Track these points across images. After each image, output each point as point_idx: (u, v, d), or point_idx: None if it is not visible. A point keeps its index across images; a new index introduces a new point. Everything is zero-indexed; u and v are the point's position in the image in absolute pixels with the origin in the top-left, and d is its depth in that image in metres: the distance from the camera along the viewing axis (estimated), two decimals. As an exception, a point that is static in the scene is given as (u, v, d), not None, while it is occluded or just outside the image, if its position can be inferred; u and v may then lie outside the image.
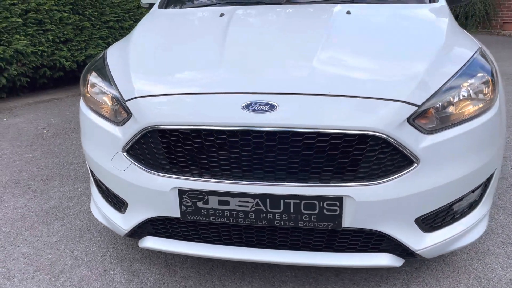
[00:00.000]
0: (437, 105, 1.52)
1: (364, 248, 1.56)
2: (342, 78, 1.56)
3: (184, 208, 1.53)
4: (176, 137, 1.50)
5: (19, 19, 4.93)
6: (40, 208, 2.55)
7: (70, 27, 5.71)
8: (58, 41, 5.61)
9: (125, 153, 1.59)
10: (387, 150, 1.43)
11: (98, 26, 6.24)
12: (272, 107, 1.45)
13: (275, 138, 1.43)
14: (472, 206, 1.73)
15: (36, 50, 5.23)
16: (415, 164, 1.45)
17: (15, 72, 5.00)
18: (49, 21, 5.40)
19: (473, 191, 1.67)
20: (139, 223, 1.65)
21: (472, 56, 1.74)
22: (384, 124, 1.40)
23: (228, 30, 1.97)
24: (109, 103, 1.72)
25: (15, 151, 3.55)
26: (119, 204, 1.77)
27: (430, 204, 1.53)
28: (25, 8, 5.03)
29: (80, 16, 5.91)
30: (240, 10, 2.33)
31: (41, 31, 5.36)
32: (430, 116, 1.51)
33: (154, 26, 2.33)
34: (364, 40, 1.86)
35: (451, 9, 2.45)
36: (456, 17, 11.81)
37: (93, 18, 6.13)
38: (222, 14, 2.23)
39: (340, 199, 1.44)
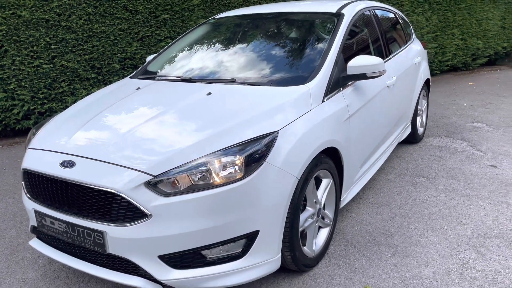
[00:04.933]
0: (182, 175, 2.07)
1: (128, 270, 2.21)
2: (120, 149, 2.22)
3: (38, 222, 2.42)
4: (31, 177, 2.41)
5: (118, 65, 6.56)
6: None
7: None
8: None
9: (22, 182, 2.56)
10: (126, 204, 2.07)
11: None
12: (73, 165, 2.23)
13: (68, 186, 2.21)
14: (232, 257, 2.19)
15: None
16: (147, 217, 2.05)
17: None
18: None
19: (222, 244, 2.14)
20: (30, 227, 2.60)
21: (247, 140, 2.20)
22: (120, 185, 2.06)
23: (116, 103, 2.78)
24: None
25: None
26: (32, 213, 2.75)
27: (169, 247, 2.09)
28: (122, 56, 6.65)
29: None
30: (153, 86, 3.02)
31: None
32: (170, 183, 2.07)
33: (99, 92, 3.19)
34: (182, 119, 2.39)
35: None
36: None
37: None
38: (138, 88, 3.05)
39: (101, 233, 2.13)
